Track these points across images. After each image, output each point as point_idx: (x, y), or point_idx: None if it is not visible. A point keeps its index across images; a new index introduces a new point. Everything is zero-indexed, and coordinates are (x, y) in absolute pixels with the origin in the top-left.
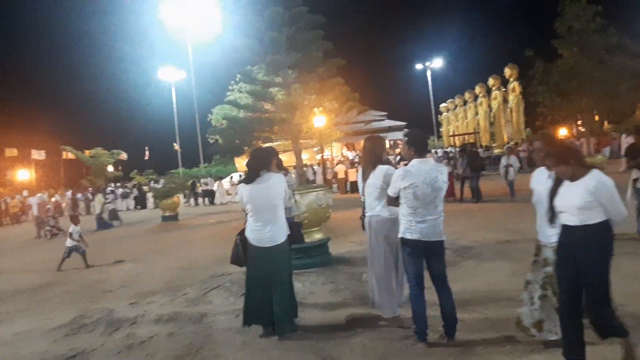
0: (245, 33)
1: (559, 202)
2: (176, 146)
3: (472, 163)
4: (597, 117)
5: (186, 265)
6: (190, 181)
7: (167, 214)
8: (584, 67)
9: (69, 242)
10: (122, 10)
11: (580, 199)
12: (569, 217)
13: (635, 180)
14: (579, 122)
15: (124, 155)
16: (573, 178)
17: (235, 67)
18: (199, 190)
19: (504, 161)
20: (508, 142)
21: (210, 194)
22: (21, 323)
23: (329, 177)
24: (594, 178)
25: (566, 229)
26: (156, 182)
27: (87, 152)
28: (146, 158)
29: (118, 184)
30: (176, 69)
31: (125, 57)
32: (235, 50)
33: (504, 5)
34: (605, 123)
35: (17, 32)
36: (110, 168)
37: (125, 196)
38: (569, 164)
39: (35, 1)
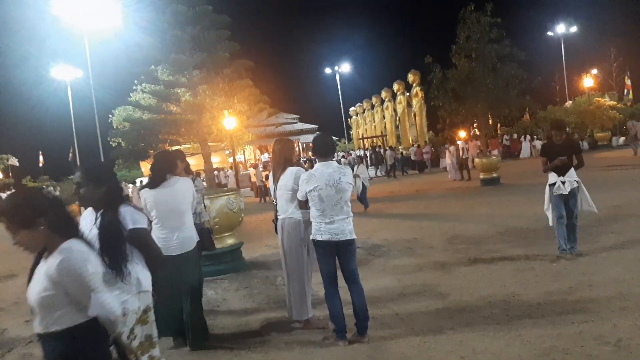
0: (146, 30)
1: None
2: (71, 152)
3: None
4: (490, 121)
5: None
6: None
7: None
8: (479, 74)
9: None
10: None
11: (38, 289)
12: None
13: (551, 186)
14: (475, 125)
15: (14, 161)
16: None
17: (138, 66)
18: None
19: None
20: (412, 144)
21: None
22: None
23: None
24: (62, 252)
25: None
26: (50, 189)
27: None
28: (41, 164)
29: (7, 193)
30: (72, 67)
31: (12, 52)
32: (137, 48)
33: (408, 13)
34: (498, 126)
35: None
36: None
37: None
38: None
39: None
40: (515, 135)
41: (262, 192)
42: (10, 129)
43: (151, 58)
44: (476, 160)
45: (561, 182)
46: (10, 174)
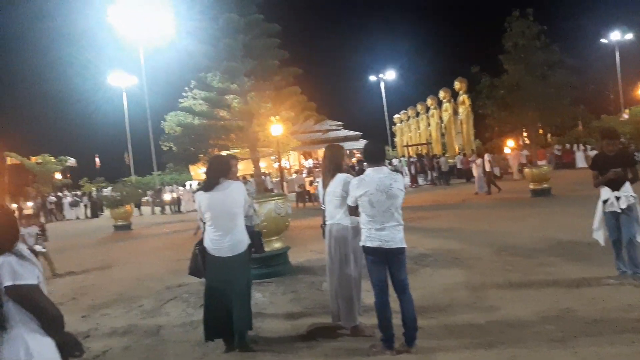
0: (199, 39)
1: None
2: (127, 157)
3: None
4: (541, 130)
5: (140, 276)
6: (157, 188)
7: (119, 223)
8: (528, 82)
9: (38, 247)
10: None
11: None
12: None
13: (605, 202)
14: (525, 134)
15: (72, 162)
16: None
17: (189, 73)
18: (164, 198)
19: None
20: (459, 153)
21: (177, 202)
22: None
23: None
24: None
25: None
26: (99, 190)
27: (33, 158)
28: (97, 166)
29: (66, 192)
30: (127, 74)
31: (74, 61)
32: (189, 55)
33: (454, 20)
34: (549, 135)
35: None
36: (58, 175)
37: (74, 205)
38: None
39: None
40: (567, 145)
41: (302, 197)
42: (70, 133)
43: (203, 65)
44: (526, 170)
45: (615, 197)
46: (69, 175)
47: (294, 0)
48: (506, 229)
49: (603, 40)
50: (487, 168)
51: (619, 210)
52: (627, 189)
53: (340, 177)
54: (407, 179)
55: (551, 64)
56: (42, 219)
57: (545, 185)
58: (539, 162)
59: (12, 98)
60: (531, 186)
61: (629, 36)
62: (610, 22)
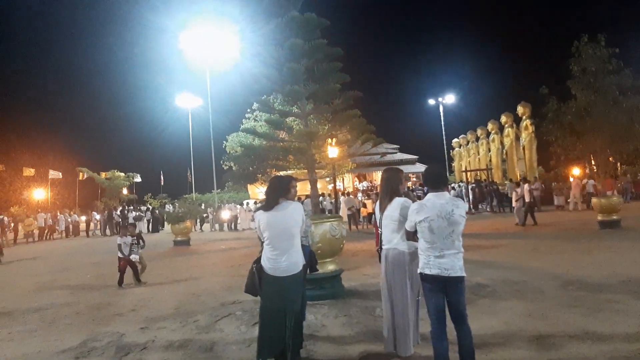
0: (264, 63)
1: None
2: (189, 176)
3: None
4: (611, 158)
5: (196, 291)
6: (217, 206)
7: (179, 239)
8: (598, 107)
9: (133, 257)
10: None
11: None
12: None
13: None
14: (593, 163)
15: (138, 178)
16: None
17: (252, 95)
18: (222, 215)
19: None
20: (521, 179)
21: (234, 220)
22: (31, 343)
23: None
24: None
25: None
26: (162, 206)
27: (103, 174)
28: (162, 183)
29: (131, 207)
30: (193, 95)
31: (146, 84)
32: (253, 79)
33: (516, 44)
34: (619, 164)
35: (43, 57)
36: (124, 191)
37: (138, 219)
38: None
39: (61, 29)
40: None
41: (355, 219)
42: (137, 151)
43: (267, 88)
44: (594, 200)
45: None
46: (135, 191)
47: (356, 24)
48: (571, 261)
49: None
50: (527, 198)
51: None
52: None
53: (397, 200)
54: (466, 205)
55: (623, 89)
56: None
57: (614, 217)
58: (608, 193)
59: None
60: (599, 217)
61: None
62: None
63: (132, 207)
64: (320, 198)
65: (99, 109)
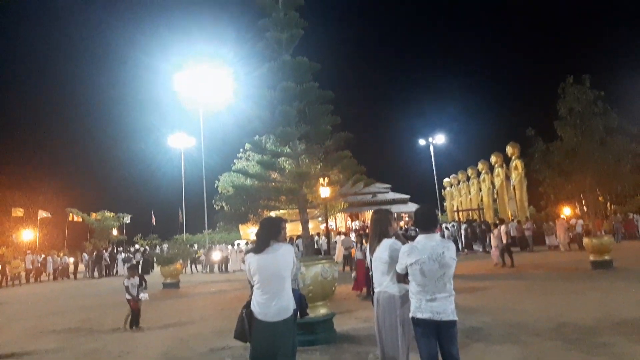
0: (257, 105)
1: None
2: (180, 216)
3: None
4: (601, 198)
5: (185, 337)
6: (208, 247)
7: (168, 281)
8: (585, 148)
9: (143, 296)
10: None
11: None
12: None
13: None
14: (583, 202)
15: (128, 219)
16: None
17: (245, 135)
18: (212, 256)
19: None
20: (512, 219)
21: (225, 261)
22: None
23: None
24: None
25: None
26: (152, 247)
27: (93, 214)
28: (154, 223)
29: (120, 248)
30: (186, 135)
31: (138, 124)
32: (246, 120)
33: (504, 85)
34: (609, 204)
35: (35, 96)
36: (114, 231)
37: (127, 261)
38: None
39: (53, 68)
40: (631, 215)
41: (349, 260)
42: (128, 191)
43: (259, 129)
44: (585, 240)
45: None
46: (125, 231)
47: (347, 67)
48: (565, 303)
49: None
50: (503, 240)
51: None
52: None
53: (386, 242)
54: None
55: (610, 130)
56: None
57: (606, 257)
58: (597, 233)
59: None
60: (591, 258)
61: None
62: None
63: (121, 249)
64: (316, 238)
65: (90, 149)
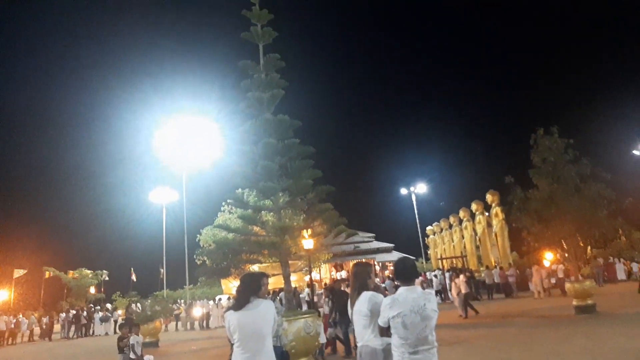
0: (239, 161)
1: None
2: (162, 271)
3: (339, 305)
4: (581, 243)
5: None
6: (188, 303)
7: (147, 340)
8: (561, 195)
9: (147, 357)
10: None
11: None
12: None
13: None
14: (565, 247)
15: (106, 276)
16: None
17: (228, 190)
18: (194, 313)
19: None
20: (495, 266)
21: (206, 317)
22: None
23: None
24: None
25: None
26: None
27: (71, 272)
28: (134, 279)
29: (98, 307)
30: (168, 189)
31: (118, 180)
32: (229, 175)
33: (482, 135)
34: (589, 248)
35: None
36: (92, 289)
37: (104, 320)
38: None
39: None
40: (611, 259)
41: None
42: (107, 248)
43: (242, 184)
44: (568, 285)
45: None
46: (103, 289)
47: (330, 120)
48: (552, 351)
49: (635, 152)
50: (463, 289)
51: None
52: None
53: (365, 295)
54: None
55: (584, 178)
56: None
57: (589, 302)
58: (570, 278)
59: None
60: (574, 302)
61: None
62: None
63: (98, 307)
64: (307, 290)
65: (69, 206)
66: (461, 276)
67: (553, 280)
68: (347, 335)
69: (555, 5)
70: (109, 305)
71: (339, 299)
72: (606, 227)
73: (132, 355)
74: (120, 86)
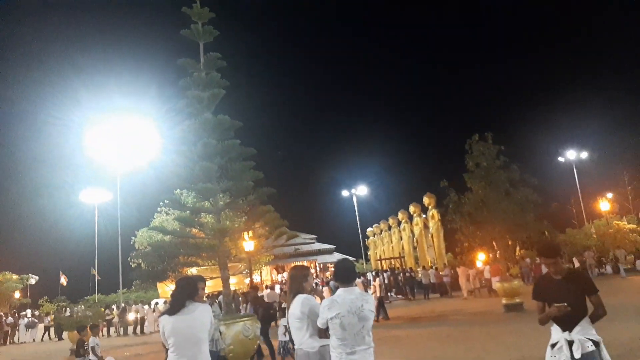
0: (177, 161)
1: None
2: (94, 271)
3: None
4: (510, 242)
5: None
6: (121, 307)
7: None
8: (492, 199)
9: (92, 357)
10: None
11: None
12: None
13: (553, 347)
14: (495, 248)
15: (33, 280)
16: None
17: (166, 191)
18: (128, 318)
19: None
20: (432, 267)
21: (141, 322)
22: None
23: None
24: None
25: None
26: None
27: None
28: (64, 283)
29: (24, 312)
30: (101, 190)
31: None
32: (165, 175)
33: (420, 140)
34: (518, 249)
35: None
36: (17, 294)
37: (30, 326)
38: None
39: None
40: (538, 259)
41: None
42: (34, 250)
43: (179, 185)
44: (497, 285)
45: (566, 341)
46: (29, 294)
47: (271, 123)
48: (483, 348)
49: (561, 159)
50: (378, 293)
51: None
52: (584, 329)
53: (299, 298)
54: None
55: (513, 182)
56: None
57: (517, 300)
58: (494, 279)
59: None
60: (504, 301)
61: (584, 155)
62: (567, 141)
63: (24, 313)
64: (267, 291)
65: None
66: (377, 279)
67: (483, 281)
68: (269, 339)
69: (492, 6)
70: (30, 312)
71: (255, 305)
72: (533, 230)
73: (92, 357)
74: (46, 80)
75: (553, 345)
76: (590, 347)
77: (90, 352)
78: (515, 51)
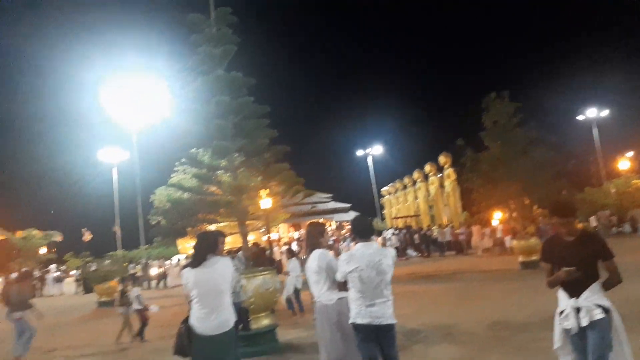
0: (192, 119)
1: None
2: (116, 228)
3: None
4: (527, 201)
5: (122, 356)
6: (144, 263)
7: (103, 299)
8: (509, 157)
9: (153, 308)
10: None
11: None
12: None
13: (561, 314)
14: (512, 207)
15: (59, 237)
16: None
17: (181, 150)
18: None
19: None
20: (447, 225)
21: (163, 276)
22: None
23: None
24: None
25: None
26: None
27: (19, 233)
28: (87, 240)
29: (51, 267)
30: (120, 149)
31: (65, 139)
32: (181, 134)
33: (436, 98)
34: (535, 207)
35: None
36: (43, 250)
37: (58, 280)
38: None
39: None
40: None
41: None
42: (58, 207)
43: (195, 143)
44: (514, 242)
45: (573, 308)
46: (54, 249)
47: (286, 81)
48: (498, 303)
49: (580, 117)
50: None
51: (576, 329)
52: (593, 295)
53: (315, 253)
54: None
55: (530, 141)
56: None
57: (534, 258)
58: (505, 238)
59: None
60: (520, 259)
61: (605, 112)
62: (587, 99)
63: (49, 268)
64: (286, 247)
65: (14, 166)
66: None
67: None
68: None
69: None
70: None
71: (257, 261)
72: (550, 189)
73: (137, 306)
74: (61, 38)
75: (561, 313)
76: (599, 315)
77: (136, 300)
78: (536, 7)
